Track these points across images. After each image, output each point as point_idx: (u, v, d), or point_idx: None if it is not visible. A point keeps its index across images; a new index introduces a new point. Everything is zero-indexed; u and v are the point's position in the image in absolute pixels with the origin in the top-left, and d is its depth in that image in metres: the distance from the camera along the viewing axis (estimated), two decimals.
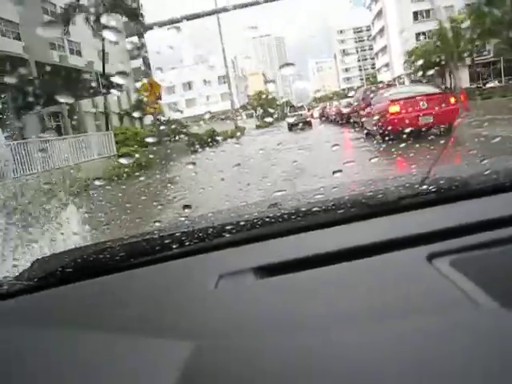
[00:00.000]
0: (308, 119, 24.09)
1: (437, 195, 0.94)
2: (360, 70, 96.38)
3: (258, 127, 38.93)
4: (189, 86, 58.23)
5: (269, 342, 0.53)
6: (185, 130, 18.15)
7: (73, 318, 0.74)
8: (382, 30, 56.90)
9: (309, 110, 28.07)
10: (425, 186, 0.96)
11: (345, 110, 19.24)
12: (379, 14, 56.81)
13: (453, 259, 0.64)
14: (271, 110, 36.34)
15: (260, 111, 46.34)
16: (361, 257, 0.71)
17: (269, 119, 37.25)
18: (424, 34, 38.39)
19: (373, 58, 78.91)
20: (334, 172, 1.54)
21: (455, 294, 0.56)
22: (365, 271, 0.69)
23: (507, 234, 0.69)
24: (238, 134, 22.24)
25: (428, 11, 42.01)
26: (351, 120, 16.62)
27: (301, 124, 22.60)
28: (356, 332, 0.52)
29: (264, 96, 49.04)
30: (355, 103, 16.16)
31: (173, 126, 17.72)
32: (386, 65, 56.14)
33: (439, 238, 0.72)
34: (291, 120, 23.14)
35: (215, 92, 53.09)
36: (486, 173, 0.98)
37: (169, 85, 56.09)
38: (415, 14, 43.95)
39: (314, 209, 0.96)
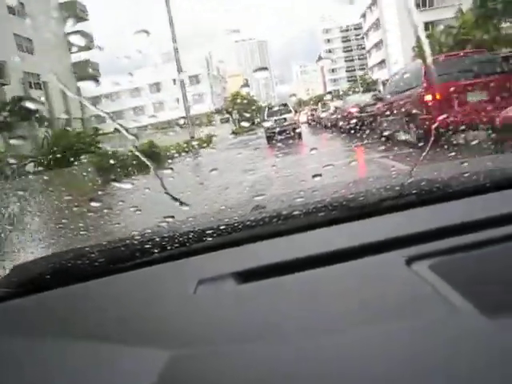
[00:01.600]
0: (295, 125, 17.02)
1: (417, 197, 0.94)
2: (348, 70, 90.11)
3: (234, 134, 32.29)
4: (157, 87, 50.88)
5: (248, 349, 0.53)
6: (91, 148, 10.70)
7: (51, 324, 0.74)
8: (376, 23, 50.30)
9: (296, 112, 20.86)
10: (406, 188, 0.97)
11: (354, 111, 12.41)
12: (373, 4, 50.20)
13: (431, 262, 0.65)
14: (248, 115, 29.26)
15: (236, 115, 39.01)
16: (341, 260, 0.72)
17: (246, 124, 30.49)
18: (431, 23, 31.54)
19: (362, 58, 72.72)
20: (313, 176, 1.55)
21: (432, 297, 0.57)
22: (345, 275, 0.69)
23: (485, 236, 0.70)
24: (192, 148, 14.90)
25: None
26: (373, 126, 9.67)
27: (285, 133, 15.56)
28: (335, 335, 0.53)
29: (239, 100, 41.26)
30: (387, 96, 9.07)
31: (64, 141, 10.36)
32: (381, 62, 49.55)
33: (418, 240, 0.72)
34: (270, 126, 16.06)
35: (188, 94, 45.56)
36: (467, 174, 0.99)
37: (134, 86, 48.79)
38: (419, 1, 37.32)
39: (295, 212, 0.95)
